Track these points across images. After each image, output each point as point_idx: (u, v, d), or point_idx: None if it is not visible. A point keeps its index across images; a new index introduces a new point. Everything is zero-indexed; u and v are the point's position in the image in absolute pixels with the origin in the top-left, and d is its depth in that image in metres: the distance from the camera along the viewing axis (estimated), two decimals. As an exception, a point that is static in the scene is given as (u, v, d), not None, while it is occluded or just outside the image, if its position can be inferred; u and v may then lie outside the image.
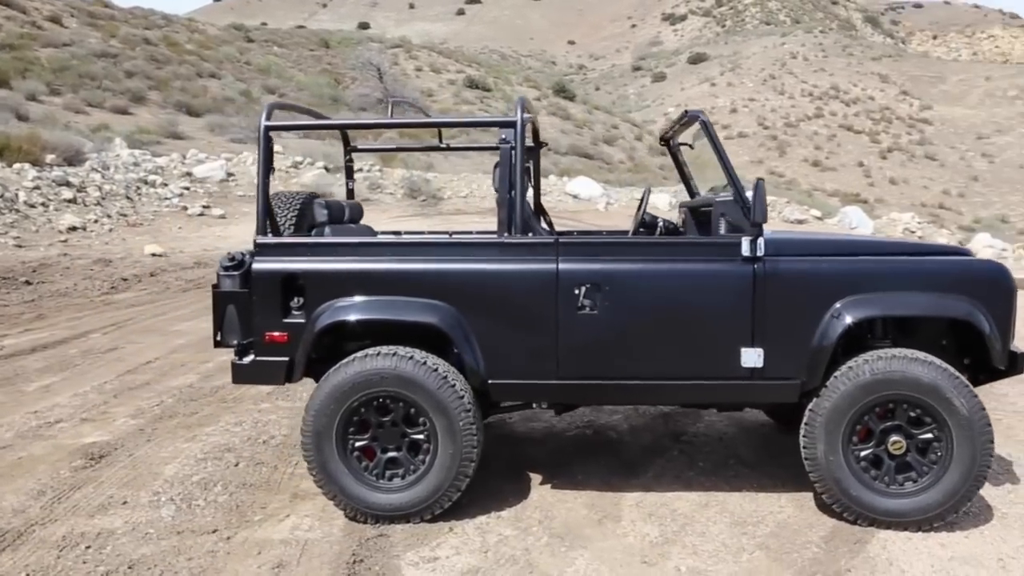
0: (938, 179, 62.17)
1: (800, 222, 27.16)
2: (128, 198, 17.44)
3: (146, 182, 18.82)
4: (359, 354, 3.73)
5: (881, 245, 4.32)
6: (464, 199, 27.41)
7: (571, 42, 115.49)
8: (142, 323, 8.90)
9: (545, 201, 24.66)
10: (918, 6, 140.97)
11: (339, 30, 74.84)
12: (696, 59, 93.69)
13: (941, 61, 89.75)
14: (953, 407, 3.62)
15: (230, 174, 21.37)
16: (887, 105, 73.61)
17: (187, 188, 19.46)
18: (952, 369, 3.68)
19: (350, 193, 5.32)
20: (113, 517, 3.86)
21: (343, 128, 4.66)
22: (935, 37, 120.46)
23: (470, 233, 5.28)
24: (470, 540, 3.63)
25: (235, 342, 4.01)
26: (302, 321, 3.80)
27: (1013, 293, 3.84)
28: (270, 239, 3.92)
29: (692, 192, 5.27)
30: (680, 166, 5.22)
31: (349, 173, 5.35)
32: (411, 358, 3.69)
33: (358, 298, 3.76)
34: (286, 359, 3.82)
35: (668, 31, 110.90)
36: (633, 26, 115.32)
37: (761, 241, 3.74)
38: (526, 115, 3.85)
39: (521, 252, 3.81)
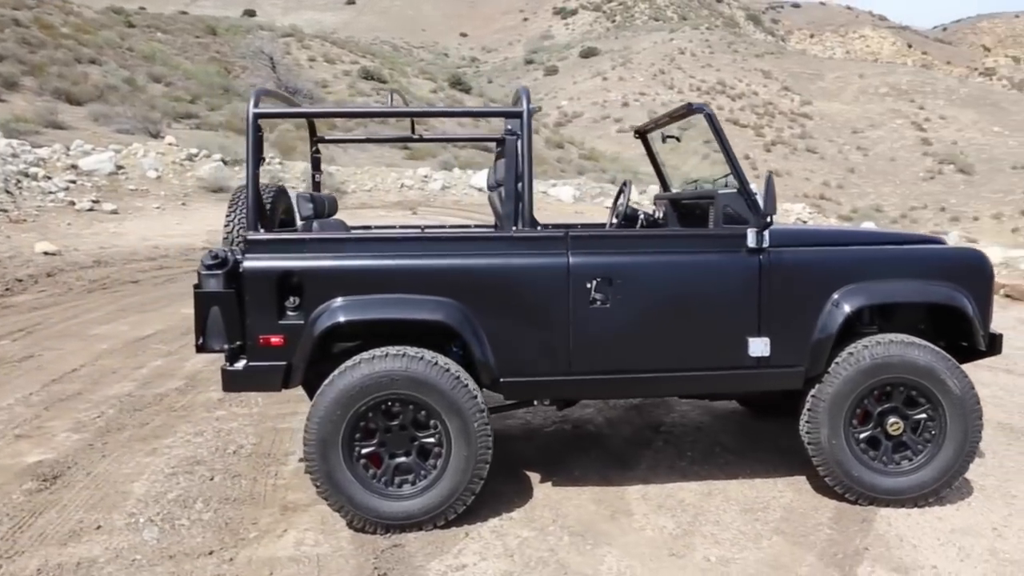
0: (819, 171, 65.46)
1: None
2: (8, 192, 16.15)
3: (27, 175, 17.45)
4: (365, 356, 3.52)
5: (867, 235, 4.44)
6: (368, 193, 26.91)
7: (463, 34, 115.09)
8: (54, 327, 8.22)
9: (450, 195, 24.72)
10: (796, 6, 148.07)
11: (225, 17, 71.83)
12: (588, 53, 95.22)
13: (819, 59, 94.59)
14: (947, 387, 3.77)
15: (120, 167, 20.11)
16: (770, 100, 76.92)
17: (73, 181, 18.16)
18: (943, 352, 3.82)
19: (316, 186, 5.05)
20: (90, 544, 3.51)
21: (336, 116, 4.41)
22: (812, 36, 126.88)
23: (444, 227, 5.12)
24: (490, 544, 3.50)
25: (219, 347, 3.72)
26: (299, 322, 3.55)
27: (992, 278, 4.03)
28: (262, 235, 3.65)
29: (666, 185, 5.28)
30: (654, 158, 5.22)
31: (316, 165, 5.07)
32: (422, 359, 3.51)
33: (361, 296, 3.55)
34: (283, 363, 3.57)
35: (559, 25, 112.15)
36: (525, 19, 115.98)
37: (766, 233, 3.76)
38: (532, 107, 3.73)
39: (531, 246, 3.69)
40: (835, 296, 3.79)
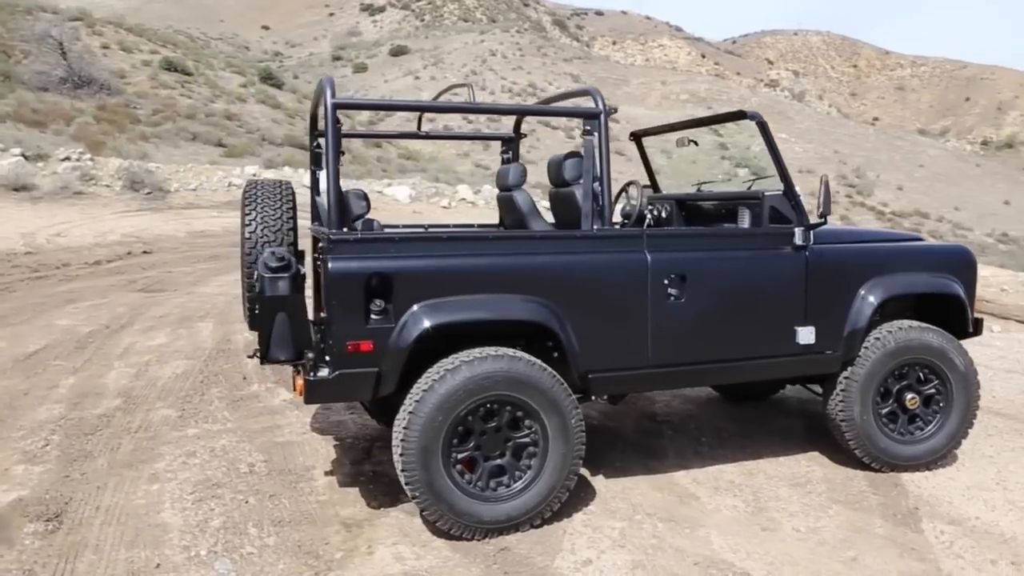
0: (626, 172, 68.77)
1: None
2: None
3: None
4: (463, 358, 3.40)
5: (875, 234, 4.87)
6: (194, 192, 25.25)
7: (265, 27, 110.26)
8: (-89, 348, 7.08)
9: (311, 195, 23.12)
10: (599, 13, 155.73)
11: (-7, -5, 64.09)
12: (398, 51, 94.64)
13: (624, 65, 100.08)
14: (955, 365, 4.26)
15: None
16: (578, 104, 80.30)
17: None
18: (949, 334, 4.31)
19: (316, 184, 4.74)
20: (162, 584, 3.13)
21: (412, 110, 4.15)
22: (614, 43, 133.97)
23: (472, 227, 5.05)
24: (594, 538, 3.52)
25: (285, 357, 3.44)
26: (387, 326, 3.37)
27: (976, 270, 4.58)
28: (351, 235, 3.42)
29: (656, 186, 5.49)
30: (647, 161, 5.42)
31: (317, 161, 4.76)
32: (521, 358, 3.46)
33: (453, 297, 3.43)
34: (375, 370, 3.36)
35: (367, 22, 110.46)
36: (331, 14, 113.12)
37: (810, 232, 4.06)
38: (610, 107, 3.77)
39: (613, 244, 3.74)
40: (864, 288, 4.16)
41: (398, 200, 28.12)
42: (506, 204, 4.69)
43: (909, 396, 4.27)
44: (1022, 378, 6.53)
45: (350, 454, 4.59)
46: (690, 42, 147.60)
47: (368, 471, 4.35)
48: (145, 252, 14.39)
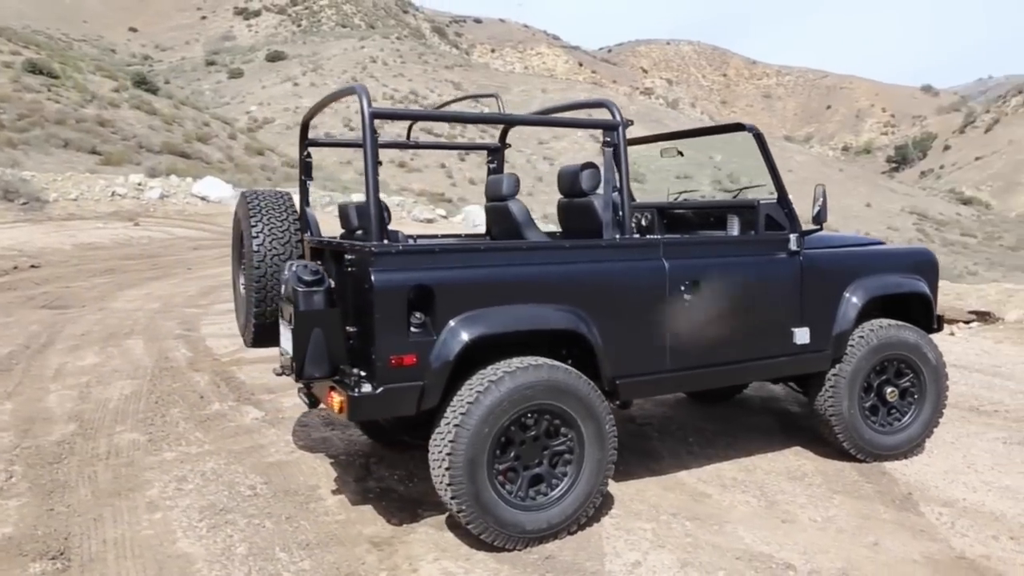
0: (517, 177, 69.91)
1: (430, 221, 28.74)
2: None
3: None
4: (505, 368, 3.39)
5: (850, 239, 5.14)
6: (75, 202, 23.77)
7: (133, 29, 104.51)
8: None
9: (172, 204, 22.92)
10: (478, 21, 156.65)
11: None
12: (275, 57, 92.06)
13: (505, 73, 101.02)
14: (927, 359, 4.60)
15: None
16: (462, 111, 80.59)
17: None
18: (921, 330, 4.65)
19: (306, 193, 4.59)
20: (209, 616, 2.96)
21: (449, 119, 4.04)
22: (493, 51, 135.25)
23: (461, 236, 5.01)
24: (632, 540, 3.58)
25: (320, 374, 3.34)
26: (431, 339, 3.32)
27: (938, 270, 4.94)
28: (393, 246, 3.34)
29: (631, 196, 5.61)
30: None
31: (307, 170, 4.61)
32: (559, 367, 3.49)
33: (493, 308, 3.42)
34: (419, 383, 3.30)
35: (242, 26, 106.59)
36: (203, 18, 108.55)
37: (803, 238, 4.29)
38: (627, 120, 3.85)
39: (634, 253, 3.84)
40: (847, 290, 4.44)
41: (292, 209, 27.33)
42: (499, 214, 4.68)
43: (889, 389, 4.57)
44: (956, 371, 7.08)
45: (350, 471, 4.48)
46: (567, 50, 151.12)
47: (374, 488, 4.25)
48: (33, 266, 13.43)
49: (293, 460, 4.64)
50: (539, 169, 71.32)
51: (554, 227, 5.04)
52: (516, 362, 3.43)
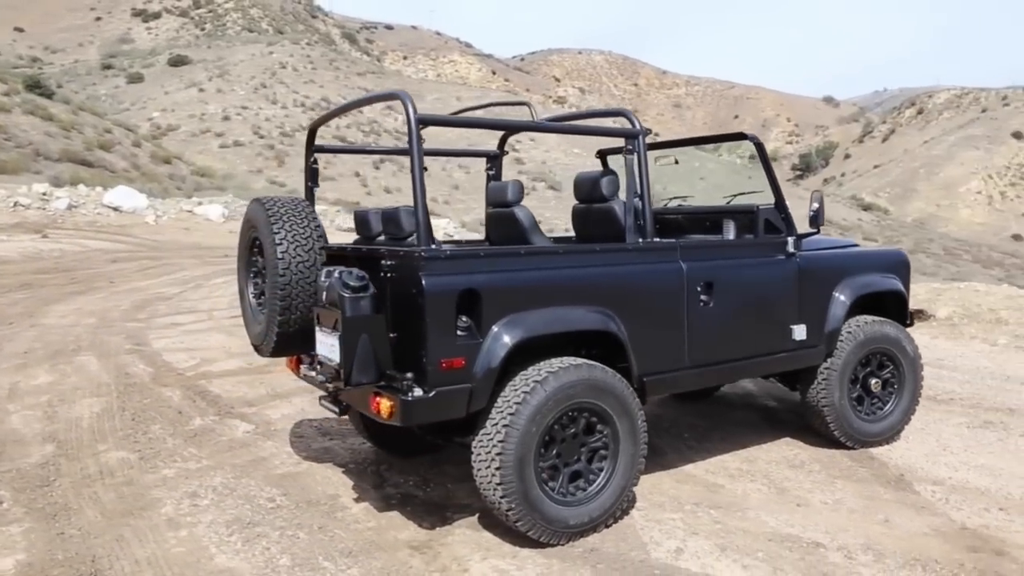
0: (428, 187, 69.54)
1: (352, 230, 28.45)
2: None
3: None
4: (549, 368, 3.48)
5: (831, 241, 5.42)
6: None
7: (19, 29, 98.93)
8: None
9: (81, 215, 22.16)
10: (389, 27, 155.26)
11: None
12: (177, 61, 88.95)
13: (418, 80, 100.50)
14: (906, 351, 4.94)
15: None
16: (374, 118, 79.72)
17: None
18: (899, 325, 4.98)
19: (312, 199, 4.54)
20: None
21: (490, 127, 4.01)
22: (405, 58, 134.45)
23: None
24: (666, 528, 3.74)
25: (368, 380, 3.35)
26: (477, 342, 3.38)
27: (910, 269, 5.29)
28: (442, 250, 3.38)
29: None
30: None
31: (314, 177, 4.56)
32: (596, 367, 3.60)
33: (534, 311, 3.51)
34: (468, 386, 3.36)
35: (141, 28, 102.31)
36: (98, 19, 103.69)
37: (800, 241, 4.56)
38: (646, 129, 3.99)
39: (656, 256, 3.99)
40: (836, 290, 4.72)
41: (211, 219, 26.64)
42: (503, 220, 4.73)
43: (873, 381, 4.88)
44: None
45: (365, 479, 4.46)
46: (480, 58, 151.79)
47: (395, 494, 4.26)
48: (-60, 283, 12.65)
49: (303, 471, 4.59)
50: (455, 177, 71.39)
51: (477, 235, 5.15)
52: (557, 362, 3.53)
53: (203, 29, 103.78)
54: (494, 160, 5.22)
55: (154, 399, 6.15)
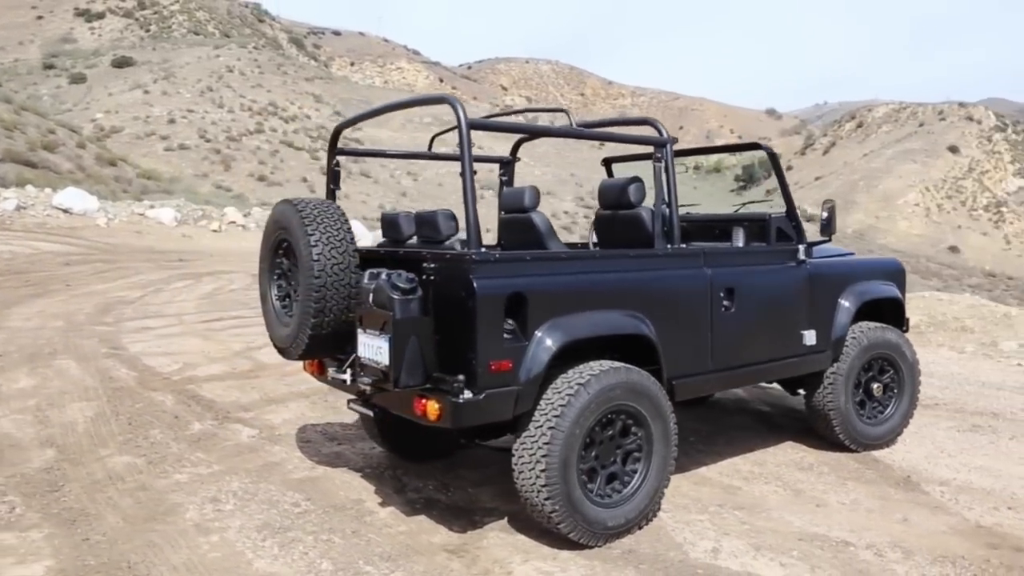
0: (374, 194, 69.15)
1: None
2: None
3: None
4: (591, 371, 3.52)
5: (834, 250, 5.58)
6: None
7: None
8: None
9: (31, 216, 21.67)
10: (337, 33, 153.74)
11: None
12: (122, 63, 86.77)
13: (366, 87, 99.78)
14: (906, 356, 5.13)
15: None
16: (323, 124, 78.92)
17: None
18: (899, 331, 5.16)
19: (332, 199, 4.51)
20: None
21: (540, 134, 4.01)
22: (352, 64, 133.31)
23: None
24: (700, 529, 3.82)
25: (415, 382, 3.35)
26: (523, 344, 3.41)
27: (905, 277, 5.49)
28: (492, 254, 3.40)
29: None
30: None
31: (336, 179, 4.53)
32: (632, 370, 3.66)
33: (576, 315, 3.55)
34: (515, 388, 3.38)
35: (83, 28, 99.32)
36: (39, 17, 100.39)
37: (811, 249, 4.70)
38: (672, 137, 4.07)
39: (683, 262, 4.09)
40: (841, 297, 4.88)
41: (163, 223, 26.05)
42: (518, 225, 4.73)
43: (876, 385, 5.05)
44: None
45: (385, 484, 4.44)
46: (428, 66, 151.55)
47: (417, 499, 4.24)
48: None
49: (320, 476, 4.54)
50: (403, 184, 71.14)
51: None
52: (597, 365, 3.57)
53: (148, 31, 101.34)
54: (507, 166, 5.25)
55: (146, 403, 6.01)
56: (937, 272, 63.04)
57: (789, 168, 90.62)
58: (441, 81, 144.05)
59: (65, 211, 24.45)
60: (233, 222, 28.49)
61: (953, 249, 75.86)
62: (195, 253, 19.53)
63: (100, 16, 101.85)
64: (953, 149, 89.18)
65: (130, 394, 6.27)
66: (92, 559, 3.46)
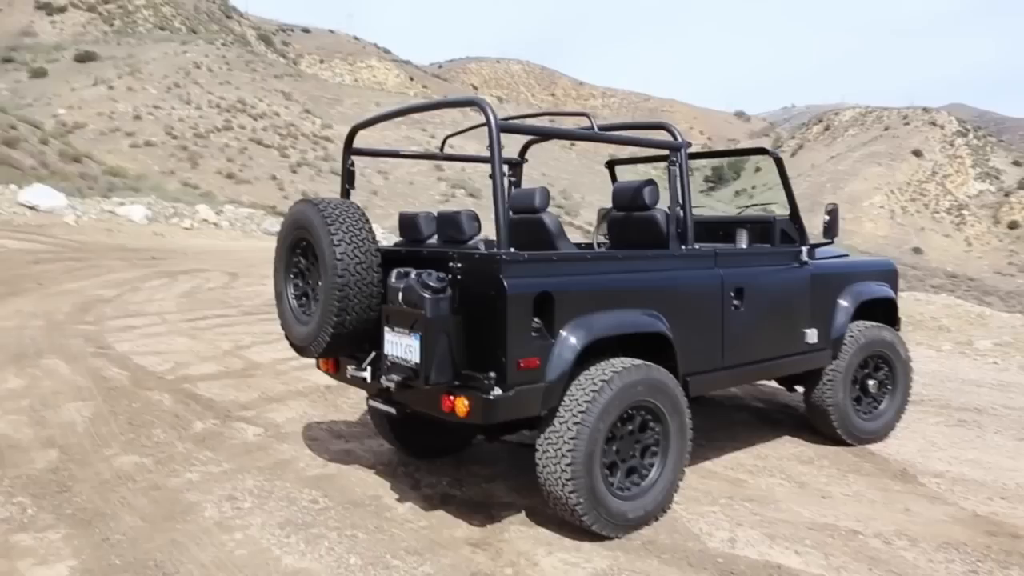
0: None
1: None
2: None
3: None
4: (614, 368, 3.61)
5: (824, 251, 5.73)
6: None
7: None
8: None
9: None
10: (306, 31, 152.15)
11: None
12: (85, 57, 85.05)
13: (337, 85, 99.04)
14: (899, 354, 5.30)
15: None
16: (292, 122, 78.21)
17: None
18: (893, 329, 5.33)
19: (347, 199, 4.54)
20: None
21: (563, 138, 4.05)
22: (322, 62, 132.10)
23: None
24: (713, 520, 3.94)
25: (445, 380, 3.41)
26: (549, 342, 3.49)
27: (898, 278, 5.66)
28: (521, 254, 3.46)
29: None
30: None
31: (351, 178, 4.56)
32: (652, 367, 3.76)
33: (599, 314, 3.64)
34: (542, 385, 3.46)
35: (44, 22, 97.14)
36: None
37: (814, 250, 4.85)
38: (685, 142, 4.17)
39: (698, 262, 4.20)
40: (840, 297, 5.04)
41: (134, 221, 25.72)
42: (529, 226, 4.78)
43: (871, 382, 5.21)
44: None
45: (400, 480, 4.48)
46: (398, 64, 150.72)
47: (433, 494, 4.30)
48: None
49: (334, 473, 4.57)
50: (374, 183, 70.74)
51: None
52: (619, 362, 3.67)
53: (112, 25, 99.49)
54: (515, 168, 5.32)
55: (144, 403, 5.98)
56: (902, 273, 63.83)
57: (757, 170, 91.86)
58: (411, 79, 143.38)
59: (32, 208, 24.00)
60: (206, 220, 28.24)
61: (917, 250, 77.56)
62: (168, 251, 19.30)
63: (62, 10, 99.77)
64: (917, 153, 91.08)
65: (125, 394, 6.23)
66: (116, 559, 3.47)
